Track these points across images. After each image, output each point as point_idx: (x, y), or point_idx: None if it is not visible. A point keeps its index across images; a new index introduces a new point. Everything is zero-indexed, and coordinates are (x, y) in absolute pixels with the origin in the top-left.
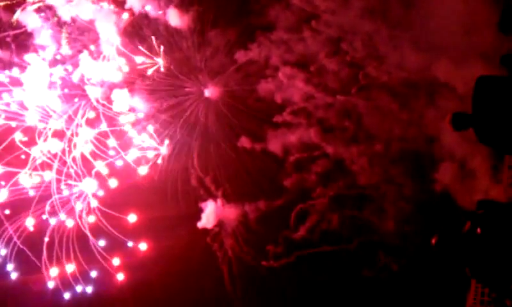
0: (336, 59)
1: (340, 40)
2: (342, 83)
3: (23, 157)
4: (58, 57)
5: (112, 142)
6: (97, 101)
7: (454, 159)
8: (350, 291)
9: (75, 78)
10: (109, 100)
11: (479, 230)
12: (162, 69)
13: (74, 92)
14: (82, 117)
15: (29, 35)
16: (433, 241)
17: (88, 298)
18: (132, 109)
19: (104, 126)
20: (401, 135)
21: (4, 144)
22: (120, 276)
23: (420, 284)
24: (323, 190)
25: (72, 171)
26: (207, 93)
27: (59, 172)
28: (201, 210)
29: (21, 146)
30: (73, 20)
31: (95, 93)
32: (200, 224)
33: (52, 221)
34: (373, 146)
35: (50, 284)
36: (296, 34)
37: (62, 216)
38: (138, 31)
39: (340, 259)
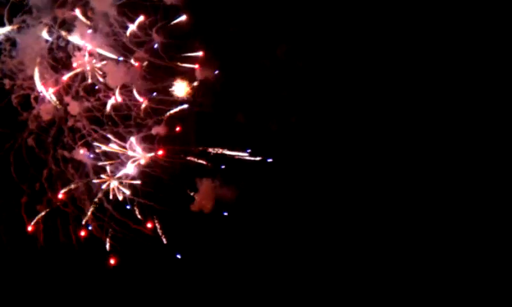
0: None
1: None
2: None
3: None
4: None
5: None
6: (92, 70)
7: None
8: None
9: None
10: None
11: None
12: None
13: (69, 59)
14: (79, 85)
15: None
16: None
17: None
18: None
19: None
20: None
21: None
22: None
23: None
24: None
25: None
26: (202, 70)
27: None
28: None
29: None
30: None
31: (89, 63)
32: (197, 207)
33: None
34: None
35: None
36: None
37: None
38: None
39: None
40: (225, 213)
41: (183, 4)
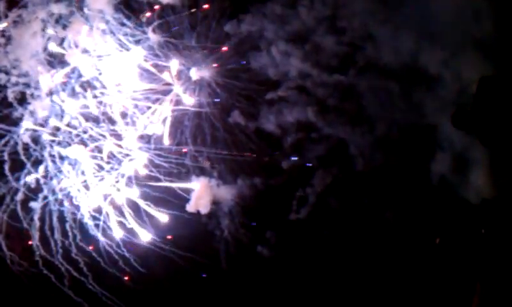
0: (331, 38)
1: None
2: (339, 62)
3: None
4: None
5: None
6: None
7: (453, 150)
8: (349, 283)
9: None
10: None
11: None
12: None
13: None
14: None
15: None
16: (437, 241)
17: None
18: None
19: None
20: (400, 121)
21: None
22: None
23: (423, 286)
24: (323, 172)
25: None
26: (199, 70)
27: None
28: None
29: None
30: None
31: (85, 61)
32: (193, 208)
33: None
34: (372, 129)
35: None
36: (290, 9)
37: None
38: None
39: (340, 245)
40: (253, 224)
41: (180, 2)
